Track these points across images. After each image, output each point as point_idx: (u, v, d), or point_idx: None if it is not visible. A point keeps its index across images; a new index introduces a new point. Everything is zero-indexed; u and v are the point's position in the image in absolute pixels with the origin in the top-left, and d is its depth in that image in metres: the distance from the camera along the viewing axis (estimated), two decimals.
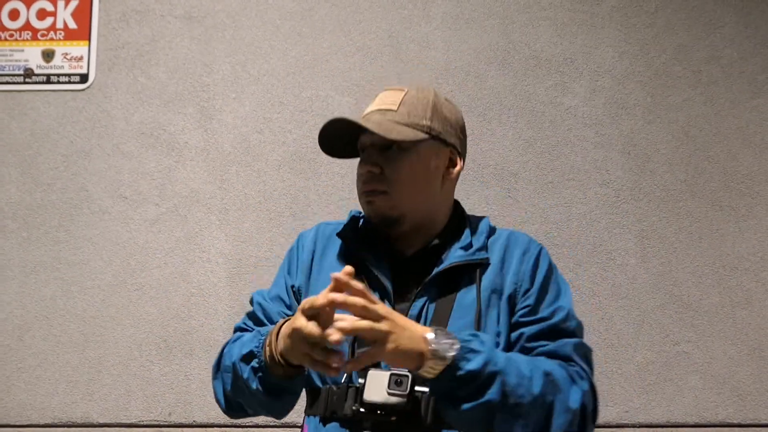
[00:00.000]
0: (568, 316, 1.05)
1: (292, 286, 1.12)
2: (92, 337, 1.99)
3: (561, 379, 0.95)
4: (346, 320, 0.85)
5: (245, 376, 0.97)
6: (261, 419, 1.81)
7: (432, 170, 1.09)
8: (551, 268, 1.10)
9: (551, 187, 2.05)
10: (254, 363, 0.96)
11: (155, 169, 2.07)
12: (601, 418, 1.94)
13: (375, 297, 0.90)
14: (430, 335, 0.89)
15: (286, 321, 0.95)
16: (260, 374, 0.96)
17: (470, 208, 2.00)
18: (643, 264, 2.02)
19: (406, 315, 0.99)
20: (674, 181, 2.06)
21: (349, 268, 0.88)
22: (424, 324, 0.98)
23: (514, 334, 1.04)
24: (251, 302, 1.16)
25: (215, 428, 1.94)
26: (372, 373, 0.95)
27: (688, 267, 2.02)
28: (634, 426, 1.94)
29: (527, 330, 1.03)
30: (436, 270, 1.04)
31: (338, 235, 1.12)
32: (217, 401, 1.08)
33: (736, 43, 2.12)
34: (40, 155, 2.07)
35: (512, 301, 1.05)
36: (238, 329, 1.14)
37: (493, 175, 2.06)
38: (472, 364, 0.89)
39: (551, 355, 1.00)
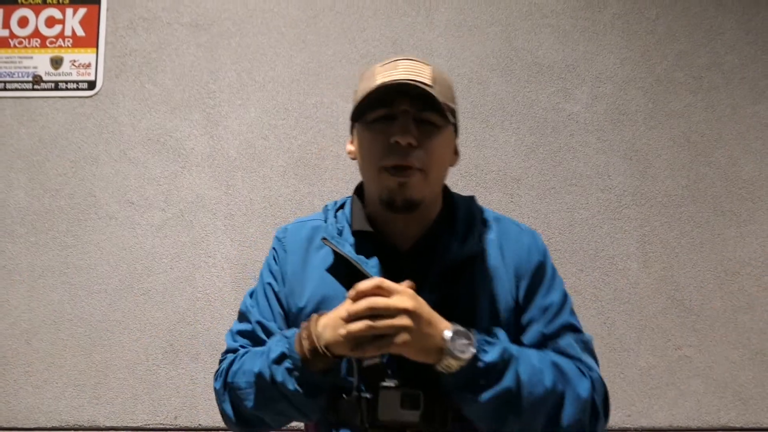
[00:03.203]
0: (563, 309, 1.05)
1: (277, 294, 1.10)
2: (99, 341, 2.00)
3: (570, 371, 0.96)
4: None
5: (280, 379, 0.94)
6: None
7: (450, 156, 1.07)
8: (549, 268, 1.09)
9: (553, 193, 2.07)
10: (287, 364, 0.94)
11: (161, 175, 2.09)
12: None
13: (396, 286, 0.90)
14: (447, 333, 0.89)
15: (321, 315, 0.95)
16: (296, 374, 0.93)
17: None
18: (645, 269, 2.03)
19: None
20: (676, 187, 2.07)
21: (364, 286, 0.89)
22: None
23: (524, 336, 1.04)
24: (244, 318, 1.12)
25: None
26: (384, 393, 0.93)
27: (689, 272, 2.03)
28: (636, 430, 1.94)
29: (530, 330, 1.04)
30: (432, 269, 1.01)
31: (323, 240, 1.06)
32: (229, 421, 1.05)
33: (737, 50, 2.13)
34: (49, 161, 2.10)
35: (514, 300, 1.04)
36: (232, 350, 1.10)
37: (495, 180, 2.07)
38: (490, 356, 0.90)
39: (556, 351, 1.01)
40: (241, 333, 1.10)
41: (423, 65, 1.03)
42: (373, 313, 0.87)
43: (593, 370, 1.00)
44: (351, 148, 1.10)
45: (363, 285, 0.89)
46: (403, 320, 0.87)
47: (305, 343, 0.92)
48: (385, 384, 0.94)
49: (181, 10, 2.16)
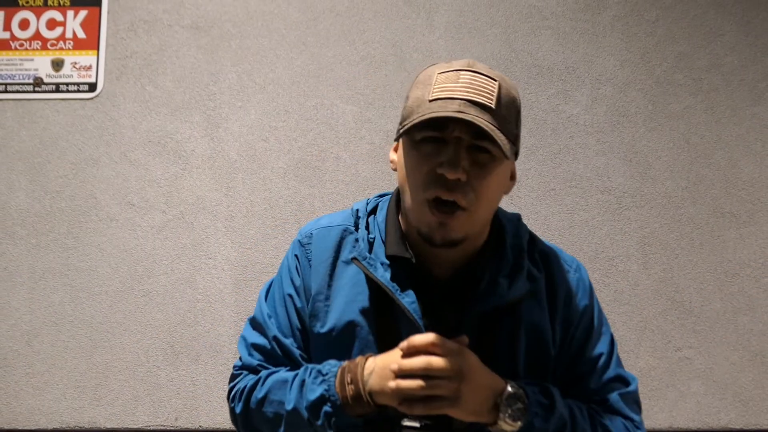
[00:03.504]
0: (611, 360, 1.02)
1: (299, 311, 1.03)
2: (100, 343, 2.01)
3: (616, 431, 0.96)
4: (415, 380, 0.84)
5: (319, 423, 0.90)
6: None
7: (504, 185, 0.97)
8: (596, 312, 1.04)
9: (553, 194, 2.07)
10: (327, 408, 0.90)
11: (162, 177, 2.09)
12: None
13: (451, 345, 0.86)
14: (501, 398, 0.86)
15: (367, 358, 0.92)
16: (334, 418, 0.90)
17: None
18: (644, 270, 2.03)
19: None
20: (675, 188, 2.07)
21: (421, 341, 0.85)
22: None
23: (573, 390, 1.00)
24: (260, 329, 1.05)
25: None
26: None
27: (689, 273, 2.03)
28: None
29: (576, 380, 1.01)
30: (474, 306, 0.94)
31: (354, 260, 0.97)
32: None
33: (736, 51, 2.14)
34: (49, 163, 2.10)
35: (558, 344, 1.01)
36: (250, 367, 1.04)
37: None
38: (543, 423, 0.88)
39: (604, 407, 0.99)
40: (257, 347, 1.04)
41: (488, 80, 0.90)
42: (427, 373, 0.84)
43: (639, 428, 0.99)
44: (394, 157, 0.99)
45: (417, 340, 0.86)
46: (457, 384, 0.84)
47: (349, 389, 0.89)
48: (407, 424, 0.90)
49: (182, 12, 2.17)
